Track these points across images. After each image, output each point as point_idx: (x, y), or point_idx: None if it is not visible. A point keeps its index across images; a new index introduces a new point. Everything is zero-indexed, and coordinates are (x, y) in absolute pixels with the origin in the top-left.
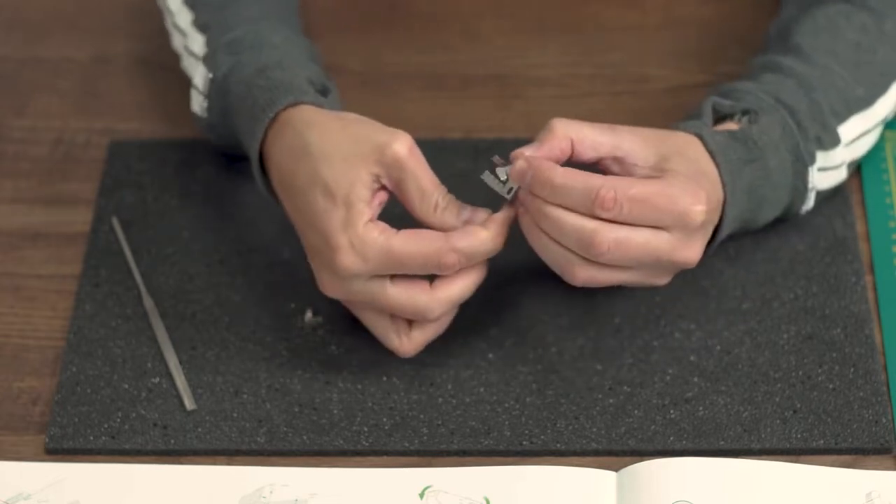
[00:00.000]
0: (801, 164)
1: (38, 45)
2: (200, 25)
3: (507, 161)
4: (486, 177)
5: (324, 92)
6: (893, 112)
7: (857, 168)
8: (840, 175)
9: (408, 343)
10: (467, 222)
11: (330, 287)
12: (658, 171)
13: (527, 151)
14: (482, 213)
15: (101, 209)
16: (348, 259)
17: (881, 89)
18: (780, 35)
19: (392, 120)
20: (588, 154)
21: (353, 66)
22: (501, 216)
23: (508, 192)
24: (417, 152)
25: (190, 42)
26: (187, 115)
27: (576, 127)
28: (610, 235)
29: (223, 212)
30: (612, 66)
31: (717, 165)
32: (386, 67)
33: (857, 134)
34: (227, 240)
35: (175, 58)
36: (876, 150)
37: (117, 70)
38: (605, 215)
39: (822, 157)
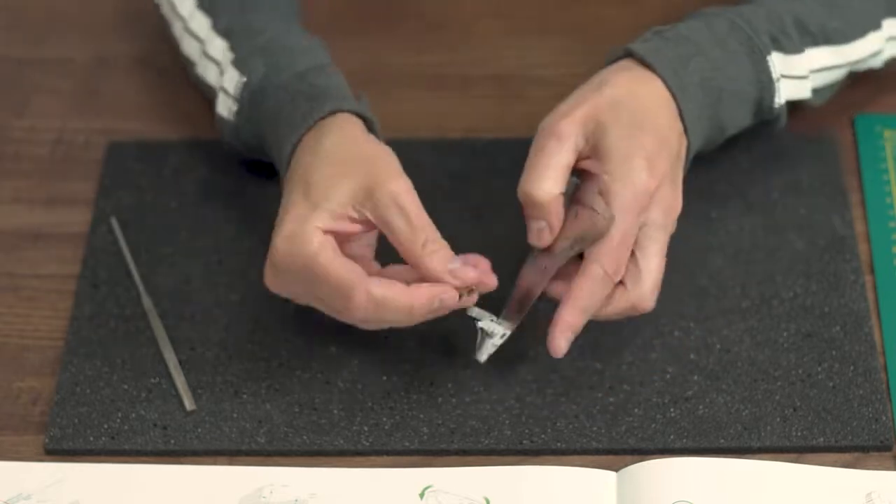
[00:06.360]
0: (758, 55)
1: (38, 45)
2: (222, 30)
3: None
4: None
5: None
6: (862, 62)
7: (856, 167)
8: (804, 90)
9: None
10: (453, 273)
11: (267, 279)
12: (598, 147)
13: (546, 237)
14: (470, 273)
15: (100, 209)
16: (280, 248)
17: (859, 32)
18: None
19: (392, 120)
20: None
21: (353, 66)
22: (429, 290)
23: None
24: (412, 195)
25: (208, 47)
26: (187, 116)
27: (550, 182)
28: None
29: (222, 212)
30: None
31: (652, 67)
32: (386, 67)
33: (826, 65)
34: (226, 240)
35: (174, 59)
36: (876, 150)
37: (117, 70)
38: None
39: (781, 60)
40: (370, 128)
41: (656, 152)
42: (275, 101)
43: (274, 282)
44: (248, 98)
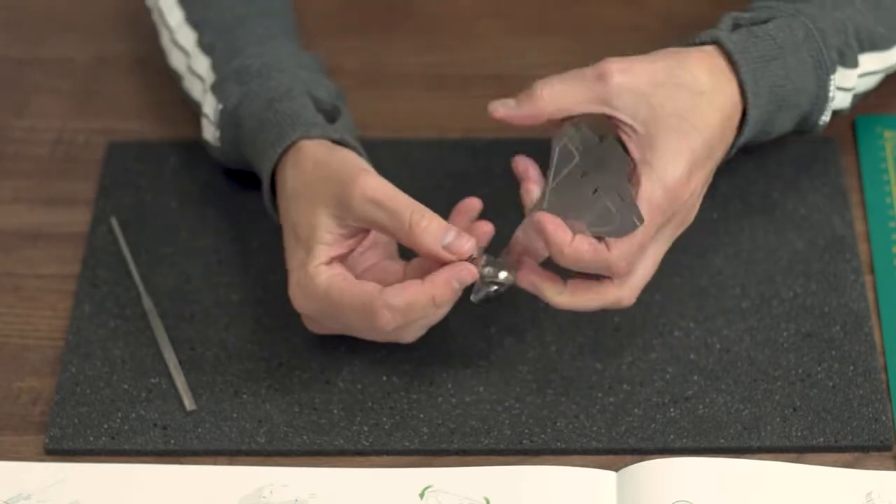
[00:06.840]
0: (824, 71)
1: (38, 45)
2: (205, 46)
3: (496, 264)
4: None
5: (333, 112)
6: (894, 66)
7: (856, 167)
8: (846, 100)
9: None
10: (449, 249)
11: (307, 326)
12: (645, 133)
13: (501, 110)
14: (465, 245)
15: (100, 209)
16: (295, 296)
17: None
18: None
19: (392, 120)
20: (577, 111)
21: (353, 67)
22: (444, 275)
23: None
24: (380, 184)
25: (194, 63)
26: (186, 116)
27: (560, 92)
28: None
29: (222, 212)
30: None
31: (736, 65)
32: (386, 67)
33: (869, 70)
34: (226, 240)
35: None
36: (876, 150)
37: (117, 70)
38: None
39: (840, 73)
40: (341, 140)
41: (701, 161)
42: (248, 129)
43: (312, 326)
44: (226, 125)
